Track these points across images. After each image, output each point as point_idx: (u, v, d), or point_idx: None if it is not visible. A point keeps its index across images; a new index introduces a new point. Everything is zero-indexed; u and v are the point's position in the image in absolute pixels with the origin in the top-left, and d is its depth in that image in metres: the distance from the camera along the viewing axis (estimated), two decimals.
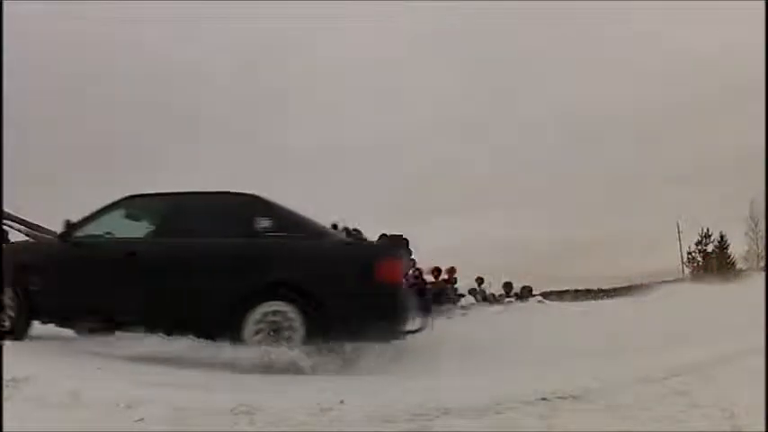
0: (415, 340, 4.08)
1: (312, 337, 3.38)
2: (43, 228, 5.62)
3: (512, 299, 7.35)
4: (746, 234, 26.38)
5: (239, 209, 3.89)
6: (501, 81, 30.60)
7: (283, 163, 28.28)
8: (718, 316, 4.92)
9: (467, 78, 31.63)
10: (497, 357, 3.94)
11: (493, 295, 7.32)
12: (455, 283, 7.04)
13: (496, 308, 6.84)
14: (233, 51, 29.61)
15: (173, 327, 3.51)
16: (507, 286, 7.46)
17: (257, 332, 3.45)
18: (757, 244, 25.56)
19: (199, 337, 3.46)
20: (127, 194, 4.03)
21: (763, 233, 23.48)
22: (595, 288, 9.01)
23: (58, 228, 4.05)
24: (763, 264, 22.62)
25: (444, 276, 7.01)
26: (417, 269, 6.88)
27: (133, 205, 4.06)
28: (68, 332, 3.98)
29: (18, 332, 3.78)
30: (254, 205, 3.86)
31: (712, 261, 27.15)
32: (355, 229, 7.44)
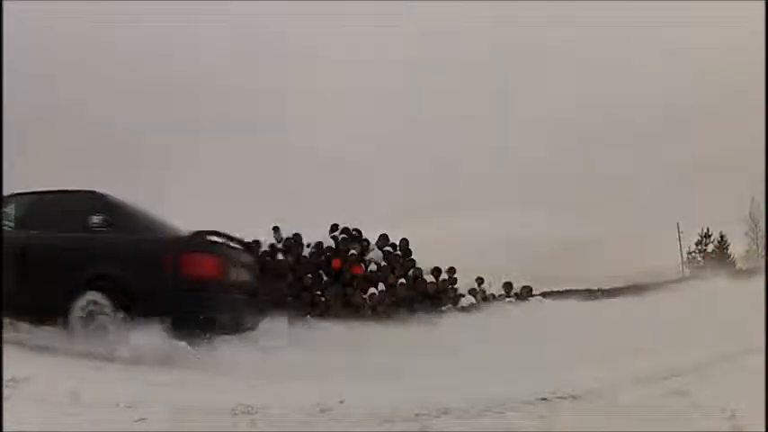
0: (416, 340, 4.08)
1: (127, 326, 3.64)
2: None
3: (512, 299, 7.30)
4: (746, 234, 26.52)
5: (77, 205, 4.28)
6: (501, 81, 30.59)
7: (283, 163, 28.34)
8: (718, 316, 4.92)
9: (467, 78, 31.65)
10: (497, 357, 3.95)
11: (493, 295, 7.28)
12: (455, 283, 7.02)
13: (496, 308, 6.82)
14: (233, 51, 29.60)
15: (18, 311, 3.99)
16: (507, 286, 7.41)
17: (81, 318, 3.80)
18: (757, 244, 25.66)
19: (33, 322, 3.95)
20: (14, 192, 4.46)
21: (763, 233, 23.54)
22: (595, 288, 8.96)
23: None
24: (763, 264, 22.62)
25: (444, 276, 7.00)
26: (417, 269, 6.90)
27: (15, 201, 4.45)
28: (68, 333, 3.98)
29: None
30: (91, 202, 4.25)
31: (712, 261, 27.15)
32: (355, 230, 7.53)
